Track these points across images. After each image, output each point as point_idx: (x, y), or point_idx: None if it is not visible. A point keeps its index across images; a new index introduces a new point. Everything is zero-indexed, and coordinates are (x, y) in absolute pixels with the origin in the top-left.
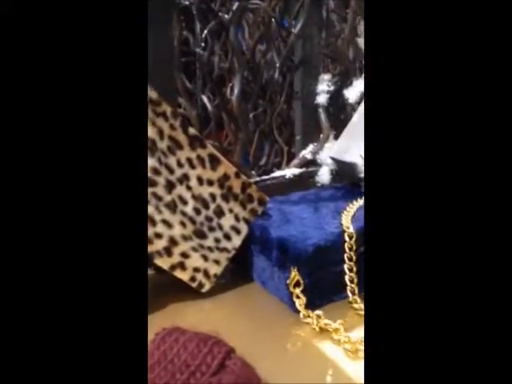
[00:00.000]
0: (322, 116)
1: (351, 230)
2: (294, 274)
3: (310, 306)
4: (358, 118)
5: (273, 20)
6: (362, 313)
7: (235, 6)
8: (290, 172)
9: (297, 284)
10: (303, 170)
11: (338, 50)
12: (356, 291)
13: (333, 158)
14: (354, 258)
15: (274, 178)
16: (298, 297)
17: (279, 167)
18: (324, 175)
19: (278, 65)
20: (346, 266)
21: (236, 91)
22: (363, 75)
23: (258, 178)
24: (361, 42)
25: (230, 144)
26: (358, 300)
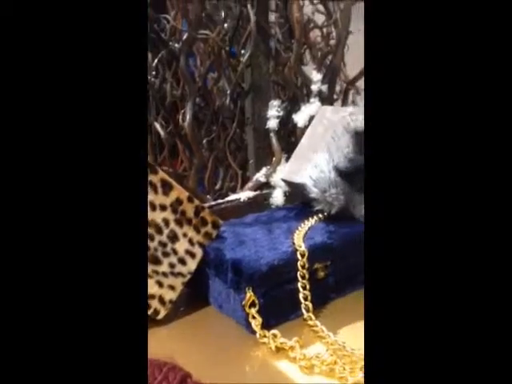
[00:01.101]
0: (274, 140)
1: (303, 248)
2: (249, 295)
3: (267, 325)
4: (306, 141)
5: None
6: (317, 329)
7: (185, 36)
8: (244, 195)
9: (252, 304)
10: (257, 192)
11: (286, 77)
12: (310, 308)
13: (284, 180)
14: (307, 275)
15: (228, 201)
16: (253, 317)
17: (234, 191)
18: (278, 197)
19: (228, 92)
20: (299, 284)
21: (188, 118)
22: (311, 100)
23: (213, 202)
24: (306, 69)
25: (186, 170)
26: (313, 317)
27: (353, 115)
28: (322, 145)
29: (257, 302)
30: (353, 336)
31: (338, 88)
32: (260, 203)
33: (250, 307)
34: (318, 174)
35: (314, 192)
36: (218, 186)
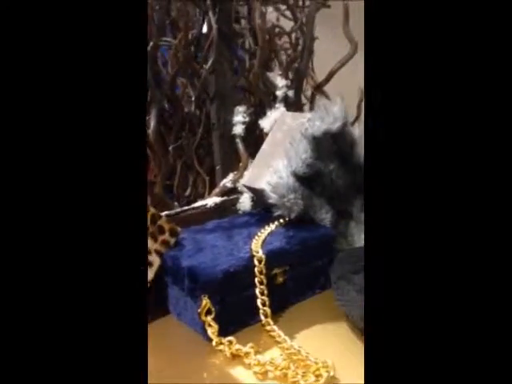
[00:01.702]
0: (240, 145)
1: (260, 253)
2: (205, 302)
3: (224, 332)
4: (266, 147)
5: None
6: (275, 334)
7: (150, 45)
8: (211, 201)
9: (208, 312)
10: (224, 198)
11: (250, 83)
12: (269, 314)
13: (245, 186)
14: (265, 281)
15: (195, 207)
16: (209, 325)
17: (203, 197)
18: (245, 202)
19: (193, 98)
20: (257, 290)
21: (152, 124)
22: (277, 105)
23: (179, 209)
24: (271, 75)
25: (156, 176)
26: (271, 322)
27: (311, 121)
28: (281, 151)
29: (213, 309)
30: (310, 340)
31: (309, 93)
32: (227, 209)
33: (206, 315)
34: (276, 180)
35: (272, 198)
36: (187, 193)
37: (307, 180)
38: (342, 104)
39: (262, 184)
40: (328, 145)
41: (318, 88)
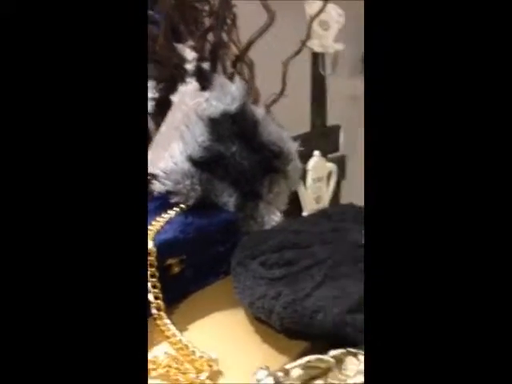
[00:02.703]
0: (151, 123)
1: (150, 246)
2: None
3: None
4: (164, 128)
5: None
6: (165, 328)
7: None
8: None
9: None
10: None
11: (158, 55)
12: (162, 307)
13: None
14: (157, 274)
15: None
16: None
17: None
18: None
19: None
20: (149, 284)
21: None
22: (188, 80)
23: None
24: (180, 47)
25: None
26: (164, 316)
27: (208, 101)
28: (177, 133)
29: None
30: (203, 332)
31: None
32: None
33: None
34: (171, 166)
35: (166, 184)
36: None
37: (206, 164)
38: (240, 83)
39: (157, 169)
40: (227, 126)
41: (237, 60)
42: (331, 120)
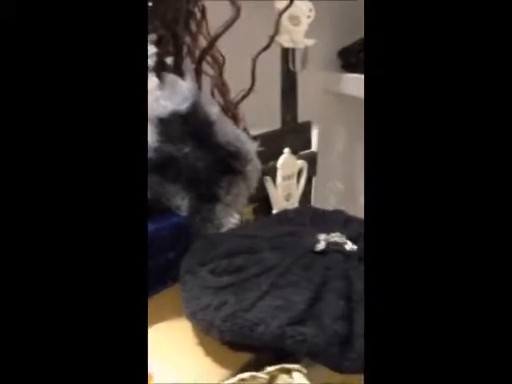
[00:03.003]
0: None
1: None
2: None
3: None
4: None
5: None
6: None
7: None
8: None
9: None
10: None
11: None
12: None
13: None
14: None
15: None
16: None
17: None
18: None
19: None
20: None
21: None
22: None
23: None
24: None
25: None
26: None
27: (157, 101)
28: None
29: None
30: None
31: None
32: None
33: None
34: None
35: None
36: None
37: (156, 166)
38: (191, 81)
39: None
40: (178, 126)
41: (202, 55)
42: (306, 116)
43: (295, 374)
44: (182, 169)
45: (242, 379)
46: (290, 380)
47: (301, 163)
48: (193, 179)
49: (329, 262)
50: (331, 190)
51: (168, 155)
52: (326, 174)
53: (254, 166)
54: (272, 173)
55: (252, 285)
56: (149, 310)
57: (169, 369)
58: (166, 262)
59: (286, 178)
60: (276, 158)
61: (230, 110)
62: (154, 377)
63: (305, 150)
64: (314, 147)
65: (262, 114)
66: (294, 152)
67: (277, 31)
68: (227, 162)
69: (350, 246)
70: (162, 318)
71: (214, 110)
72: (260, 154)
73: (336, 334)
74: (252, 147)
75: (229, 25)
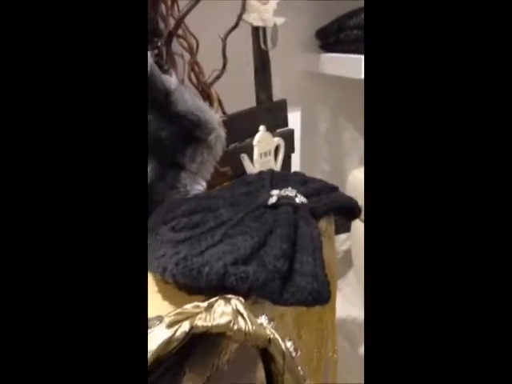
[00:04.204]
0: None
1: None
2: None
3: None
4: None
5: None
6: None
7: None
8: None
9: None
10: None
11: None
12: None
13: None
14: None
15: None
16: None
17: None
18: None
19: None
20: None
21: None
22: None
23: None
24: None
25: None
26: None
27: None
28: None
29: None
30: None
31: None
32: None
33: None
34: None
35: None
36: None
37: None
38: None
39: None
40: None
41: (170, 36)
42: (288, 96)
43: (233, 301)
44: None
45: (185, 308)
46: (225, 306)
47: (277, 140)
48: (156, 147)
49: (278, 214)
50: (317, 171)
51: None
52: (310, 155)
53: (218, 135)
54: (249, 151)
55: (206, 236)
56: None
57: None
58: None
59: (263, 154)
60: (252, 135)
61: (205, 91)
62: None
63: (281, 128)
64: (291, 125)
65: (237, 94)
66: (271, 130)
67: (243, 10)
68: (190, 132)
69: (300, 199)
70: None
71: (171, 79)
72: (236, 133)
73: (276, 269)
74: (214, 116)
75: (192, 6)
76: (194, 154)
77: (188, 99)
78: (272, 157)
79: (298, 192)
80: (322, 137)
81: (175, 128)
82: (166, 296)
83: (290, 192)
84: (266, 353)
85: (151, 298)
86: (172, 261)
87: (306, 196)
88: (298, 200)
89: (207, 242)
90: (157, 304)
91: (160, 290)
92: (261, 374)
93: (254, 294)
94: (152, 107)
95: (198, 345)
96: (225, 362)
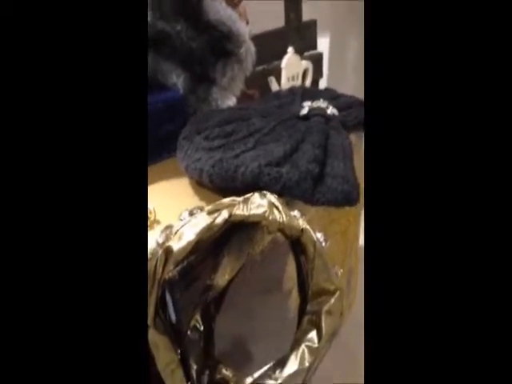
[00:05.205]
0: None
1: None
2: None
3: None
4: None
5: None
6: None
7: None
8: None
9: None
10: None
11: None
12: None
13: None
14: None
15: None
16: None
17: None
18: None
19: None
20: None
21: None
22: None
23: None
24: None
25: None
26: None
27: None
28: None
29: None
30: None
31: None
32: None
33: None
34: None
35: None
36: None
37: (151, 41)
38: None
39: None
40: (168, 3)
41: None
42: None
43: (269, 196)
44: (176, 47)
45: (223, 201)
46: (261, 199)
47: (305, 63)
48: (187, 58)
49: (310, 124)
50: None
51: (161, 31)
52: (337, 83)
53: (248, 48)
54: (276, 73)
55: (240, 143)
56: (152, 171)
57: (170, 207)
58: (167, 134)
59: (291, 78)
60: (280, 57)
61: (235, 4)
62: (154, 212)
63: (310, 50)
64: (320, 48)
65: (266, 13)
66: (299, 52)
67: None
68: (221, 44)
69: (331, 110)
70: (163, 178)
71: None
72: (263, 54)
73: (308, 171)
74: (244, 29)
75: None
76: (225, 68)
77: (220, 9)
78: (299, 81)
79: (330, 104)
80: (351, 64)
81: (206, 38)
82: (201, 199)
83: (321, 103)
84: (297, 244)
85: (187, 201)
86: (208, 163)
87: (337, 109)
88: (329, 111)
89: (241, 147)
90: (193, 202)
91: (196, 193)
92: (290, 267)
93: (286, 193)
94: (183, 16)
95: (235, 234)
96: (258, 252)
